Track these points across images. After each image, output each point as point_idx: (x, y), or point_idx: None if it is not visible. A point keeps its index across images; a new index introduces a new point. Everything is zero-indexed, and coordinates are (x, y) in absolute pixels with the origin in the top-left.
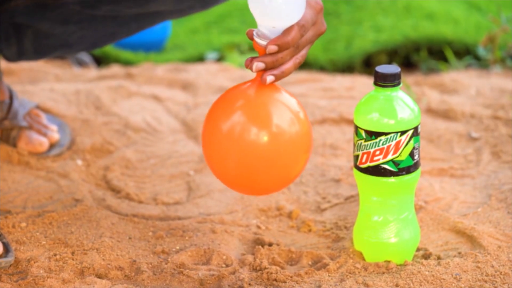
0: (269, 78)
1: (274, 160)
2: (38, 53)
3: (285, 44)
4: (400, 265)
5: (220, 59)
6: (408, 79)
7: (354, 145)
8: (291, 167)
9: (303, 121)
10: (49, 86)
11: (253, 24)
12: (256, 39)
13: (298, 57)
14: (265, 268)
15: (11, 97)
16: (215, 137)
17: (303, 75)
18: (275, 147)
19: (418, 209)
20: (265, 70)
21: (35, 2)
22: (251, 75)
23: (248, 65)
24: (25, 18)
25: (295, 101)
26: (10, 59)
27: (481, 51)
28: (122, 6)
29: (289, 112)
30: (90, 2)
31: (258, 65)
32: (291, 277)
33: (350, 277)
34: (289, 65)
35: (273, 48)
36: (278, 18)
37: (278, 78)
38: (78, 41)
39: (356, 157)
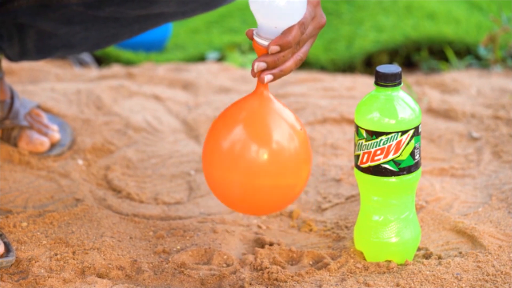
0: (267, 77)
1: (276, 177)
2: (40, 53)
3: (287, 43)
4: (401, 264)
5: (221, 59)
6: (409, 79)
7: (355, 144)
8: (294, 182)
9: (301, 133)
10: (49, 86)
11: (254, 24)
12: (256, 38)
13: (300, 54)
14: (266, 267)
15: (12, 97)
16: (217, 161)
17: (303, 75)
18: (277, 163)
19: (419, 208)
20: (266, 70)
21: (38, 3)
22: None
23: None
24: (28, 18)
25: (292, 114)
26: (12, 59)
27: (482, 51)
28: (126, 7)
29: (287, 126)
30: (94, 3)
31: (260, 65)
32: (292, 276)
33: (351, 276)
34: (289, 63)
35: (275, 48)
36: (280, 18)
37: (277, 77)
38: (81, 42)
39: (357, 156)
